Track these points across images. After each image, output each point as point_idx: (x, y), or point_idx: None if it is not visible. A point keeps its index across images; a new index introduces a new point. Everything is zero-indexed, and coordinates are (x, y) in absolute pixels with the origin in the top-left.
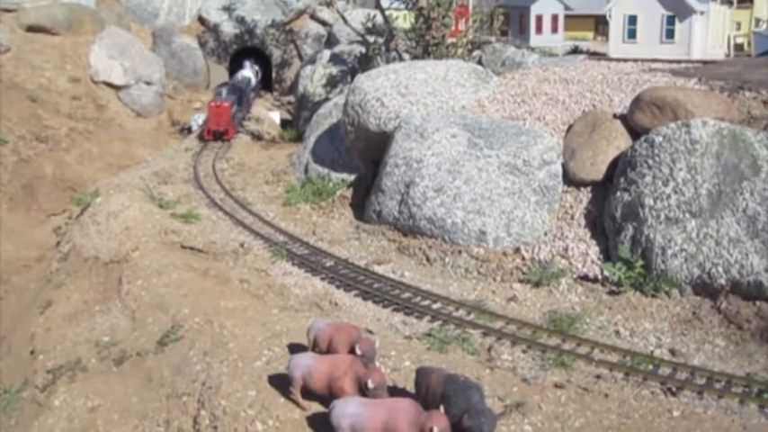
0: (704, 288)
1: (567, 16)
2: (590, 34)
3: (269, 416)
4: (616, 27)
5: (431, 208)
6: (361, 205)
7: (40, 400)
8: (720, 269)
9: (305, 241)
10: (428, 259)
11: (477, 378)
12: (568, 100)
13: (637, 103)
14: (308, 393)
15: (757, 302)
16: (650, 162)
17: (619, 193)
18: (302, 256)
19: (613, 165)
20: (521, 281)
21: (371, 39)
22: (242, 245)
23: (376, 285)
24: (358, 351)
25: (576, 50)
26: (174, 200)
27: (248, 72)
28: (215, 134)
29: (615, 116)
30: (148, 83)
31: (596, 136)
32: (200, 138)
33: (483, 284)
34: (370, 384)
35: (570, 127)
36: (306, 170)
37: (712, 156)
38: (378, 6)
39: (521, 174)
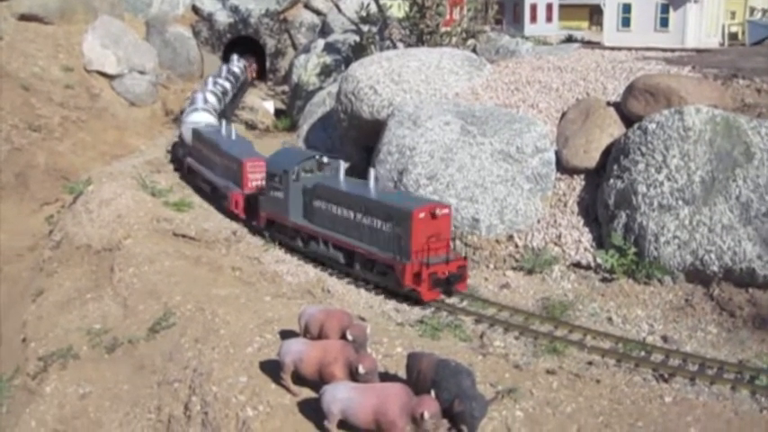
0: (697, 275)
1: (561, 5)
2: (585, 24)
3: (260, 401)
4: (610, 15)
5: (424, 195)
6: None
7: (32, 388)
8: (713, 256)
9: None
10: None
11: (469, 364)
12: (562, 88)
13: (630, 90)
14: (298, 379)
15: (750, 289)
16: (643, 149)
17: (612, 181)
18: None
19: (607, 152)
20: (513, 268)
21: (365, 28)
22: (234, 233)
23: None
24: (349, 337)
25: (570, 39)
26: (166, 188)
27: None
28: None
29: (609, 104)
30: (142, 72)
31: (590, 123)
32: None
33: (476, 271)
34: (361, 370)
35: (564, 114)
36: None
37: (705, 143)
38: None
39: (514, 161)
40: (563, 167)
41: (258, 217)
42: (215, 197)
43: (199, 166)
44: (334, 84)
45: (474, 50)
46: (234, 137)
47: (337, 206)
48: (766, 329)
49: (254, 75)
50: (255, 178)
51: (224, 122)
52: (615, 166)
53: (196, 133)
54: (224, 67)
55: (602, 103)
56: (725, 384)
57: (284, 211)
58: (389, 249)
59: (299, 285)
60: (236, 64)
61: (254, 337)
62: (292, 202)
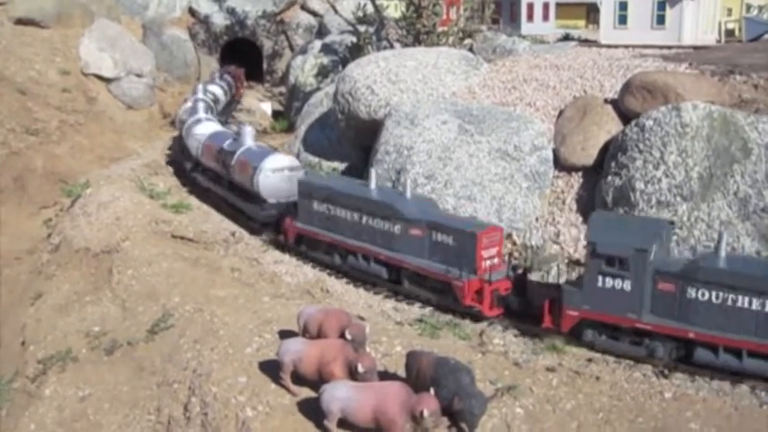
0: None
1: (558, 4)
2: (581, 22)
3: (259, 401)
4: (607, 13)
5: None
6: None
7: (31, 391)
8: None
9: None
10: None
11: (468, 362)
12: (559, 86)
13: (627, 87)
14: (298, 378)
15: None
16: (641, 146)
17: (610, 178)
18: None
19: (604, 149)
20: (512, 266)
21: (362, 28)
22: (233, 234)
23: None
24: (348, 336)
25: (567, 38)
26: (164, 190)
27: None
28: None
29: (606, 101)
30: (139, 75)
31: (587, 121)
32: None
33: None
34: (360, 369)
35: (561, 112)
36: (297, 159)
37: (703, 139)
38: None
39: (512, 159)
40: (561, 165)
41: (560, 316)
42: (391, 278)
43: (341, 237)
44: (331, 84)
45: (471, 50)
46: (409, 194)
47: (749, 297)
48: None
49: (243, 91)
50: (490, 255)
51: (372, 171)
52: (613, 163)
53: (317, 188)
54: (200, 87)
55: (599, 101)
56: (725, 380)
57: (631, 309)
58: None
59: (298, 286)
60: (219, 82)
61: (254, 338)
62: (646, 296)
